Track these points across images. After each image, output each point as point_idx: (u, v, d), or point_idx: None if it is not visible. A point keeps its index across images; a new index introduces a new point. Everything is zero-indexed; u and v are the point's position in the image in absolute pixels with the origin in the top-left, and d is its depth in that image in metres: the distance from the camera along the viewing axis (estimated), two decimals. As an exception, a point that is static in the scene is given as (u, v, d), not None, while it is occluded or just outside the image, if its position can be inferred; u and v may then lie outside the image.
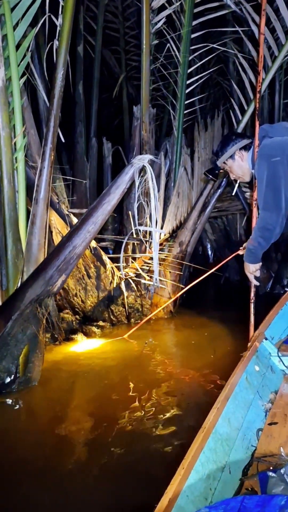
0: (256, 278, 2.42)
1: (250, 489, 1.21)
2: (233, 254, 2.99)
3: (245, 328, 2.44)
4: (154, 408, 2.26)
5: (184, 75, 4.16)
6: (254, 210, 2.45)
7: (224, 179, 4.53)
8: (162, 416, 2.17)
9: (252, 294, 2.49)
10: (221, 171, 2.52)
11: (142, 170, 2.76)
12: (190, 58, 4.18)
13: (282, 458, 1.35)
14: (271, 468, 1.22)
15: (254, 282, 2.44)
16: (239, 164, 2.37)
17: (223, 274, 5.77)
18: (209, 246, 6.89)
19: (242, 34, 4.08)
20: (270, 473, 1.15)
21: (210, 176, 2.57)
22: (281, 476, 1.13)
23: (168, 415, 2.18)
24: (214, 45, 4.29)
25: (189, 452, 1.17)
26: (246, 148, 2.36)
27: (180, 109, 4.26)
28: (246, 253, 2.33)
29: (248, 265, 2.35)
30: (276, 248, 5.11)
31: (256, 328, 2.30)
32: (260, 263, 2.36)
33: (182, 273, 4.34)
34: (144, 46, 3.79)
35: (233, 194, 3.17)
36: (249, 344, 2.10)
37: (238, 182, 2.62)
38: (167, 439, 1.93)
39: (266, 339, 2.15)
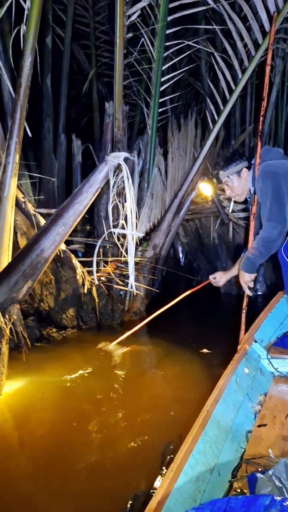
0: (249, 288, 2.40)
1: (239, 490, 1.21)
2: (205, 282, 2.95)
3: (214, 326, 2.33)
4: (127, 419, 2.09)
5: (159, 71, 4.01)
6: (252, 223, 2.47)
7: (199, 181, 4.42)
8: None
9: (245, 304, 2.46)
10: (219, 185, 2.53)
11: (117, 168, 2.58)
12: (165, 54, 4.03)
13: (270, 459, 1.33)
14: (259, 469, 1.21)
15: (248, 292, 2.42)
16: (243, 181, 2.42)
17: (196, 278, 5.66)
18: (180, 249, 6.78)
19: (218, 31, 3.98)
20: (259, 475, 1.13)
21: (210, 176, 2.64)
22: (269, 477, 1.11)
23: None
24: (190, 43, 4.17)
25: (178, 454, 1.17)
26: (249, 168, 2.44)
27: (154, 107, 4.11)
28: (244, 262, 2.31)
29: (244, 274, 2.33)
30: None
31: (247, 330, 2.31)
32: (256, 274, 2.36)
33: (156, 277, 4.18)
34: (117, 40, 3.60)
35: (230, 211, 3.08)
36: (239, 346, 2.08)
37: (233, 200, 2.63)
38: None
39: (255, 341, 2.16)
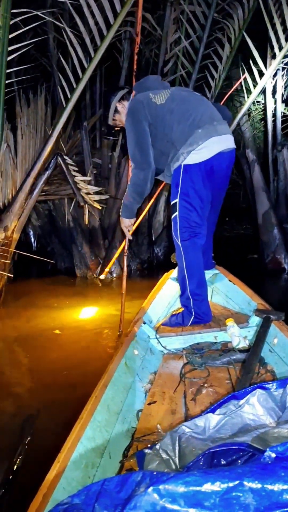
0: (129, 232, 2.60)
1: (130, 469, 1.22)
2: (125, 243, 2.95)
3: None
4: None
5: (5, 39, 3.65)
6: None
7: (52, 161, 4.27)
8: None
9: (126, 248, 2.87)
10: (116, 128, 2.52)
11: None
12: (12, 22, 3.70)
13: (159, 434, 1.35)
14: (148, 445, 1.22)
15: (128, 236, 2.65)
16: (123, 115, 2.38)
17: (52, 261, 5.50)
18: (31, 232, 6.48)
19: (70, 6, 3.84)
20: (147, 450, 1.15)
21: (111, 138, 2.59)
22: (156, 451, 1.13)
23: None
24: (39, 13, 3.91)
25: (65, 445, 1.13)
26: (124, 98, 2.39)
27: (1, 78, 3.74)
28: (123, 208, 2.42)
29: (124, 219, 2.49)
30: (103, 235, 5.16)
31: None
32: (134, 218, 2.52)
33: (8, 261, 3.90)
34: None
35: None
36: (128, 329, 2.07)
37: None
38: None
39: (144, 323, 2.16)
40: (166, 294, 2.66)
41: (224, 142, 2.06)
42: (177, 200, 2.12)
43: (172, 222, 2.19)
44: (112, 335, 3.08)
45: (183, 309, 2.28)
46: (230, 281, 2.66)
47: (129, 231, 2.58)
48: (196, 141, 2.01)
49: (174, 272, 2.81)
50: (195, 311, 2.20)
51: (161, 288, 2.65)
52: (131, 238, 2.69)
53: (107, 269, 3.28)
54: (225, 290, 2.70)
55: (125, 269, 3.00)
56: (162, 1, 5.19)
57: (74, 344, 2.96)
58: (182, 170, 2.07)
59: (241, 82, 4.57)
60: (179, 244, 2.16)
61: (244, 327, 2.11)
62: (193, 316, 2.21)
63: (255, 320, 2.12)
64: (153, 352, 2.06)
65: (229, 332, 2.03)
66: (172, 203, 2.16)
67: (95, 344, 2.94)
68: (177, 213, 2.13)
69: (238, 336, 1.98)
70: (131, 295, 3.29)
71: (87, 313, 3.70)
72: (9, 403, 2.19)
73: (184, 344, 2.12)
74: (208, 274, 2.71)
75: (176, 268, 2.42)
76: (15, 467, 1.60)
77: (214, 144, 2.03)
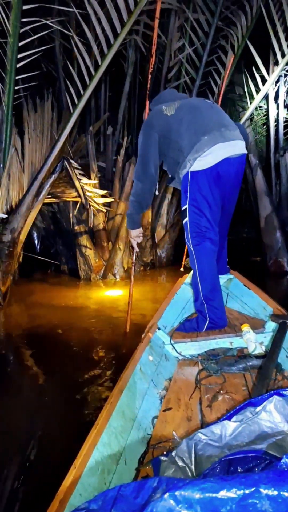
0: (137, 244, 2.69)
1: (145, 476, 1.20)
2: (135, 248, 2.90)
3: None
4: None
5: (15, 47, 3.76)
6: None
7: (59, 165, 4.36)
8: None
9: (133, 259, 3.05)
10: None
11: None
12: (22, 30, 3.81)
13: (175, 441, 1.34)
14: (164, 452, 1.21)
15: (135, 248, 2.76)
16: None
17: (57, 262, 5.58)
18: (35, 234, 6.56)
19: (78, 15, 3.94)
20: (162, 457, 1.14)
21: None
22: (172, 458, 1.12)
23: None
24: (48, 22, 4.02)
25: (81, 451, 1.12)
26: None
27: (10, 84, 3.85)
28: (127, 220, 2.49)
29: (130, 231, 2.56)
30: (107, 238, 5.24)
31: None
32: (140, 229, 2.56)
33: (15, 262, 3.98)
34: None
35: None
36: (143, 335, 2.04)
37: None
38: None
39: (159, 329, 2.13)
40: (180, 299, 2.63)
41: (231, 148, 2.06)
42: (186, 206, 2.14)
43: (184, 228, 2.21)
44: (115, 335, 3.16)
45: (197, 314, 2.26)
46: (245, 285, 2.64)
47: (137, 242, 2.63)
48: (201, 148, 2.03)
49: (188, 277, 2.78)
50: (210, 316, 2.17)
51: (175, 293, 2.61)
52: (137, 250, 2.78)
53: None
54: (240, 295, 2.66)
55: (132, 278, 3.09)
56: (166, 9, 5.30)
57: (78, 343, 3.03)
58: (189, 177, 2.09)
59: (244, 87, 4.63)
60: (192, 249, 2.17)
61: (260, 333, 2.07)
62: (207, 322, 2.17)
63: (271, 326, 2.07)
64: (168, 358, 2.03)
65: (245, 337, 2.00)
66: (182, 209, 2.19)
67: (99, 343, 3.02)
68: (187, 218, 2.15)
69: (254, 342, 1.95)
70: (134, 297, 3.35)
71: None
72: (18, 401, 2.26)
73: (199, 350, 2.08)
74: (223, 279, 2.68)
75: (191, 273, 2.43)
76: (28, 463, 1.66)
77: (220, 150, 2.03)
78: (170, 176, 2.32)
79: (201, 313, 2.20)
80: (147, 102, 2.74)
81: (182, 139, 2.10)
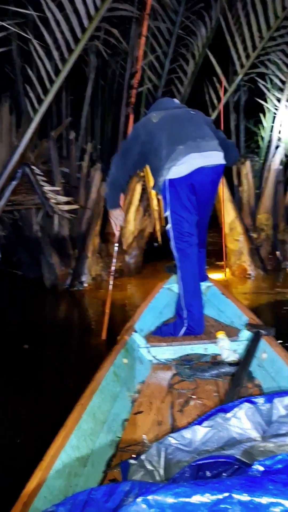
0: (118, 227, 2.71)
1: (113, 479, 1.19)
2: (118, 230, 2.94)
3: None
4: None
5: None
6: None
7: (19, 171, 4.21)
8: None
9: (116, 240, 3.02)
10: None
11: None
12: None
13: (145, 445, 1.34)
14: (133, 456, 1.20)
15: (115, 229, 2.75)
16: None
17: (18, 272, 5.39)
18: (-4, 243, 6.31)
19: (37, 19, 3.82)
20: (131, 461, 1.13)
21: None
22: (141, 462, 1.11)
23: None
24: (3, 23, 3.88)
25: (47, 453, 1.10)
26: None
27: None
28: (106, 200, 2.56)
29: (110, 211, 2.59)
30: (73, 245, 5.12)
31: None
32: (121, 209, 2.62)
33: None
34: None
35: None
36: (118, 337, 2.04)
37: None
38: None
39: (135, 331, 2.14)
40: (159, 303, 2.64)
41: (205, 158, 2.13)
42: (168, 212, 2.21)
43: (167, 233, 2.28)
44: (91, 344, 3.08)
45: (175, 319, 2.29)
46: (223, 294, 2.66)
47: (118, 223, 2.65)
48: (176, 157, 2.10)
49: (166, 281, 2.79)
50: (188, 322, 2.20)
51: (154, 297, 2.62)
52: (117, 232, 2.81)
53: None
54: (217, 303, 2.68)
55: (112, 268, 3.13)
56: (127, 17, 5.28)
57: (47, 357, 2.93)
58: (167, 184, 2.16)
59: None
60: (176, 254, 2.24)
61: (235, 341, 2.11)
62: (185, 327, 2.21)
63: (246, 334, 2.11)
64: (142, 361, 2.04)
65: (219, 344, 2.04)
66: (164, 215, 2.29)
67: (73, 353, 2.98)
68: (169, 224, 2.22)
69: (228, 349, 1.99)
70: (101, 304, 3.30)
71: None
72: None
73: (174, 355, 2.10)
74: (201, 286, 2.66)
75: (171, 278, 2.57)
76: None
77: (194, 160, 2.10)
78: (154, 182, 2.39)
79: (180, 318, 2.24)
80: (131, 116, 2.94)
81: (161, 148, 2.18)
